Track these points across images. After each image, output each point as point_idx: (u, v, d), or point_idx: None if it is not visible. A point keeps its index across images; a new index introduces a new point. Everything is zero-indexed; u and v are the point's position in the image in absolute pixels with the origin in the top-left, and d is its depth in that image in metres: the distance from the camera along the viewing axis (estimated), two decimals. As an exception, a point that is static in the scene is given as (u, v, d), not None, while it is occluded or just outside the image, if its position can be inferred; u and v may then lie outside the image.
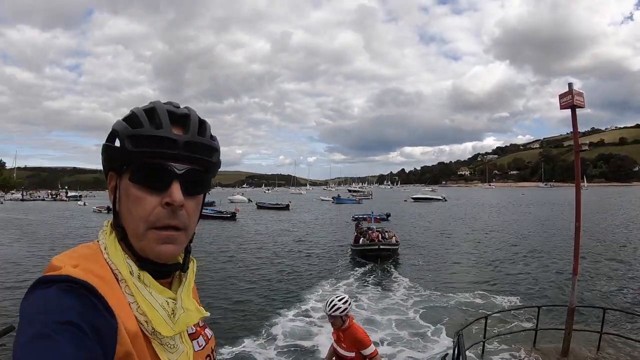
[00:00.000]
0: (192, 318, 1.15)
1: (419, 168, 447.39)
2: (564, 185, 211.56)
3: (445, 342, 12.58)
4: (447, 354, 7.67)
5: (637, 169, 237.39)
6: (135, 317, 1.01)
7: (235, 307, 16.33)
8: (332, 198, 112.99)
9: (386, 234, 27.50)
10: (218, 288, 19.08)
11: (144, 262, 1.09)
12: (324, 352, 11.75)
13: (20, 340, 0.82)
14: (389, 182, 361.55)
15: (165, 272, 1.15)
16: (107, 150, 1.11)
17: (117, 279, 1.03)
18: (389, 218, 39.62)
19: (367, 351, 5.18)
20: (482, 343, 10.57)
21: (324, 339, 12.65)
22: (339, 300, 5.35)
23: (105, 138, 1.13)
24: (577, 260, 10.04)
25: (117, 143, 1.08)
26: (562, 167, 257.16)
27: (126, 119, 1.11)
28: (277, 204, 78.90)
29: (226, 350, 12.05)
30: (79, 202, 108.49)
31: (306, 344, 12.82)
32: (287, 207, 76.90)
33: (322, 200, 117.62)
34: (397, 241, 27.10)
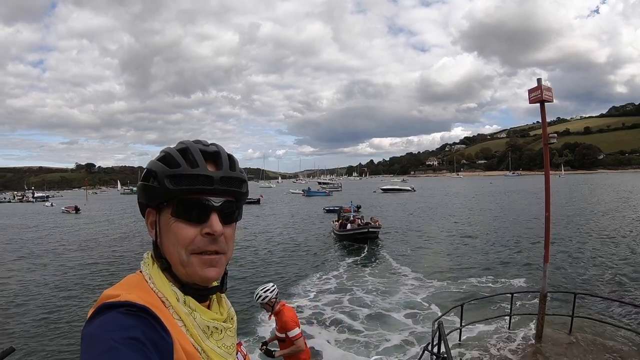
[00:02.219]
0: (230, 337, 1.27)
1: (387, 159, 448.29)
2: (531, 173, 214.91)
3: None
4: (428, 343, 7.94)
5: (601, 157, 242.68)
6: (186, 337, 1.12)
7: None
8: (303, 191, 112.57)
9: (370, 219, 31.54)
10: None
11: (188, 287, 1.20)
12: (315, 351, 11.69)
13: (86, 357, 0.92)
14: (357, 174, 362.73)
15: (206, 295, 1.26)
16: (146, 189, 1.21)
17: (165, 305, 1.13)
18: (359, 210, 40.21)
19: (291, 333, 6.12)
20: (459, 330, 10.92)
21: (316, 338, 12.74)
22: (263, 291, 6.30)
23: (142, 176, 1.25)
24: (548, 248, 10.41)
25: (152, 182, 1.19)
26: (528, 156, 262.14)
27: (161, 160, 1.21)
28: (248, 199, 77.37)
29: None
30: (46, 203, 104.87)
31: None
32: (258, 202, 76.51)
33: (292, 193, 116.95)
34: (379, 225, 30.74)
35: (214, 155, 1.24)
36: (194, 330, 1.15)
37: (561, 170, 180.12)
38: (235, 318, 1.35)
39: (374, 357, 11.29)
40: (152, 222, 1.24)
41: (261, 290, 6.37)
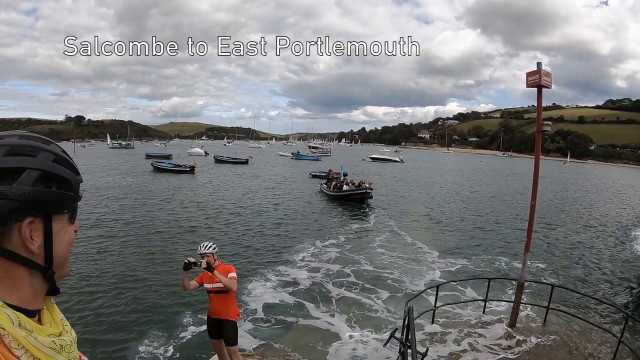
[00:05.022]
0: (75, 350, 1.15)
1: (380, 128, 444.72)
2: (521, 156, 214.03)
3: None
4: (396, 329, 7.71)
5: (592, 147, 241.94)
6: None
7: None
8: (292, 154, 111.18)
9: (360, 181, 35.08)
10: (180, 250, 17.58)
11: (55, 291, 1.15)
12: (317, 328, 11.57)
13: None
14: (348, 140, 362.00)
15: (57, 289, 1.16)
16: (60, 198, 1.10)
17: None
18: (346, 176, 40.38)
19: (232, 274, 6.82)
20: (432, 311, 10.76)
21: (318, 313, 12.36)
22: (209, 242, 7.04)
23: (39, 182, 1.05)
24: (530, 237, 10.28)
25: (68, 190, 1.11)
26: (520, 138, 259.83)
27: (62, 163, 1.12)
28: (236, 159, 78.07)
29: (190, 320, 11.38)
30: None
31: (293, 319, 11.93)
32: (246, 162, 76.18)
33: (281, 155, 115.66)
34: (372, 187, 33.47)
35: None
36: (41, 353, 1.01)
37: (567, 158, 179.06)
38: (70, 327, 1.21)
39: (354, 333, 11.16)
40: (35, 231, 1.05)
41: (209, 242, 7.07)
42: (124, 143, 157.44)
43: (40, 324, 1.11)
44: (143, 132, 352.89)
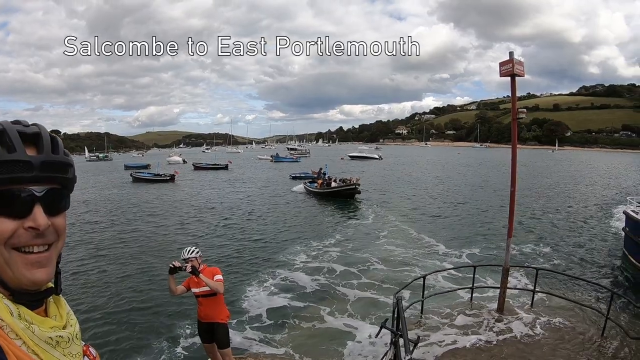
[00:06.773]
0: (72, 345, 1.10)
1: (357, 126, 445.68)
2: (498, 146, 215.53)
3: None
4: (386, 319, 7.79)
5: (569, 134, 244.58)
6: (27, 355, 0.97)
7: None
8: (271, 157, 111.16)
9: (344, 179, 36.55)
10: (170, 258, 17.07)
11: (18, 294, 1.02)
12: (325, 328, 11.50)
13: None
14: (326, 140, 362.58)
15: (41, 299, 1.09)
16: None
17: None
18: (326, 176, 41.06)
19: (218, 277, 6.78)
20: (421, 302, 10.85)
21: (328, 316, 12.15)
22: (192, 247, 7.13)
23: None
24: (512, 223, 10.41)
25: None
26: (497, 129, 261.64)
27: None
28: (215, 164, 77.90)
29: (181, 325, 11.33)
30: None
31: (296, 321, 11.83)
32: (226, 167, 75.92)
33: (260, 159, 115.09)
34: (359, 183, 34.60)
35: (34, 137, 1.05)
36: (36, 347, 0.98)
37: (555, 146, 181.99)
38: (75, 321, 1.17)
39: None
40: None
41: (189, 247, 7.14)
42: (101, 155, 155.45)
43: (47, 316, 1.09)
44: (120, 143, 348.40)
